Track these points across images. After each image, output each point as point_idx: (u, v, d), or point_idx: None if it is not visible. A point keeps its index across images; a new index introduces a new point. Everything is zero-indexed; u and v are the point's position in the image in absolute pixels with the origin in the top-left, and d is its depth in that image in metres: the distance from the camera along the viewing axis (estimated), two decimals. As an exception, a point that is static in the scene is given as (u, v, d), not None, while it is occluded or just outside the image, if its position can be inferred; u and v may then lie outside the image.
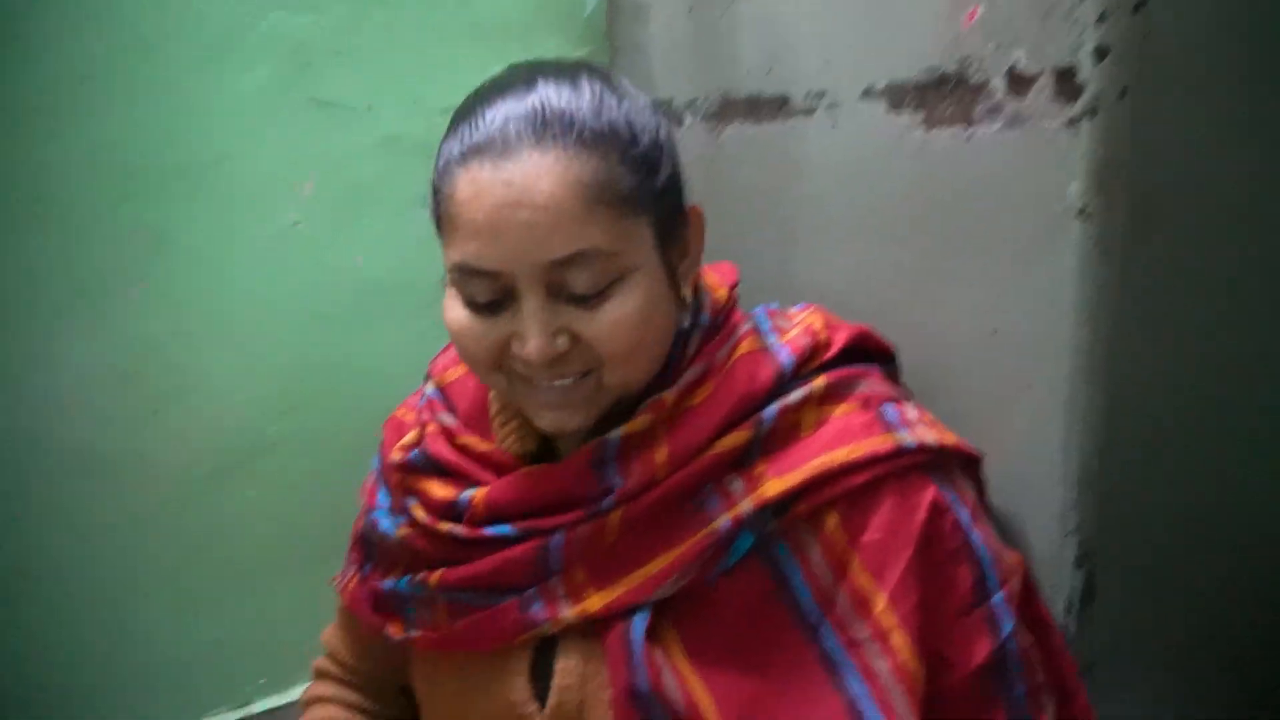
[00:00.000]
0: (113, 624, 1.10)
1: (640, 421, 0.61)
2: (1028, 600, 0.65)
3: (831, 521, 0.60)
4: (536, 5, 1.19)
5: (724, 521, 0.59)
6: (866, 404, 0.64)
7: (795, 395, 0.62)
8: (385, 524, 0.70)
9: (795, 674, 0.58)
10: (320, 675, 0.83)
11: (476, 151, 0.55)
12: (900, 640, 0.57)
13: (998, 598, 0.61)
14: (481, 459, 0.66)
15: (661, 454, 0.61)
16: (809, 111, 0.88)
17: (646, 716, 0.57)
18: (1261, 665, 0.84)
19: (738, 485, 0.60)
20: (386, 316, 1.20)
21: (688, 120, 1.05)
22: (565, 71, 0.59)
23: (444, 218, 0.58)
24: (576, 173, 0.54)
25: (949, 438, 0.65)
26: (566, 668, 0.61)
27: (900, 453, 0.61)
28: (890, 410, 0.64)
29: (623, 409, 0.63)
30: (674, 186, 0.62)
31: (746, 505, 0.59)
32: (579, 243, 0.55)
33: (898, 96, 0.78)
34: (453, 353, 0.75)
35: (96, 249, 1.03)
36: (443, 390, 0.73)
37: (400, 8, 1.13)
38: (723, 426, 0.61)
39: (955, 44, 0.72)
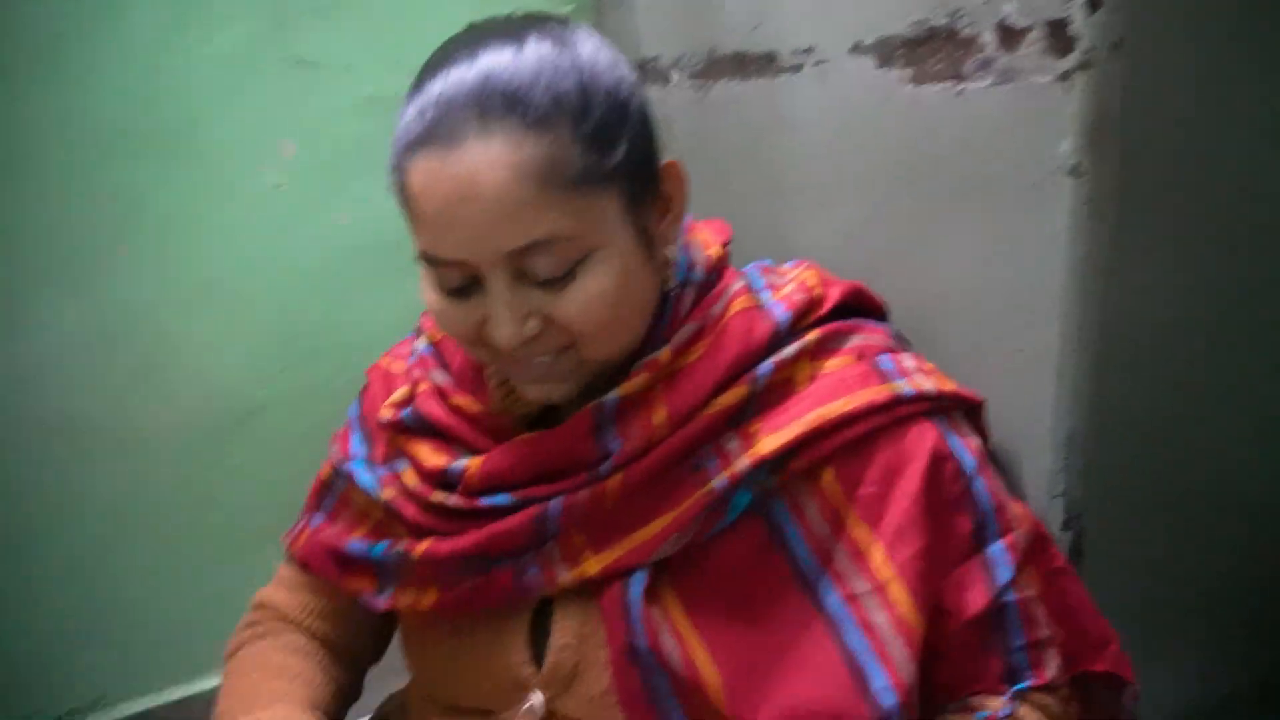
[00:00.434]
0: (100, 590, 1.10)
1: (637, 382, 0.60)
2: (1040, 551, 0.64)
3: (828, 475, 0.59)
4: (521, -42, 1.16)
5: (721, 480, 0.58)
6: (861, 355, 0.63)
7: (789, 350, 0.61)
8: (364, 478, 0.68)
9: (794, 630, 0.58)
10: (247, 628, 0.76)
11: (423, 141, 0.53)
12: (898, 591, 0.57)
13: (996, 546, 0.60)
14: (475, 421, 0.65)
15: (660, 414, 0.60)
16: (796, 68, 0.86)
17: (644, 675, 0.57)
18: (1247, 628, 0.85)
19: (734, 443, 0.60)
20: (373, 276, 1.18)
21: (674, 78, 1.03)
22: (513, 35, 0.55)
23: (404, 206, 0.57)
24: (524, 158, 0.51)
25: (948, 384, 0.63)
26: (564, 628, 0.61)
27: (898, 402, 0.60)
28: (886, 360, 0.63)
29: (616, 369, 0.62)
30: (641, 150, 0.58)
31: (743, 463, 0.58)
32: (534, 232, 0.53)
33: (886, 52, 0.76)
34: None
35: (75, 213, 1.02)
36: (435, 346, 0.70)
37: (378, -37, 1.10)
38: (719, 384, 0.60)
39: (945, -4, 0.70)
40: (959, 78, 0.70)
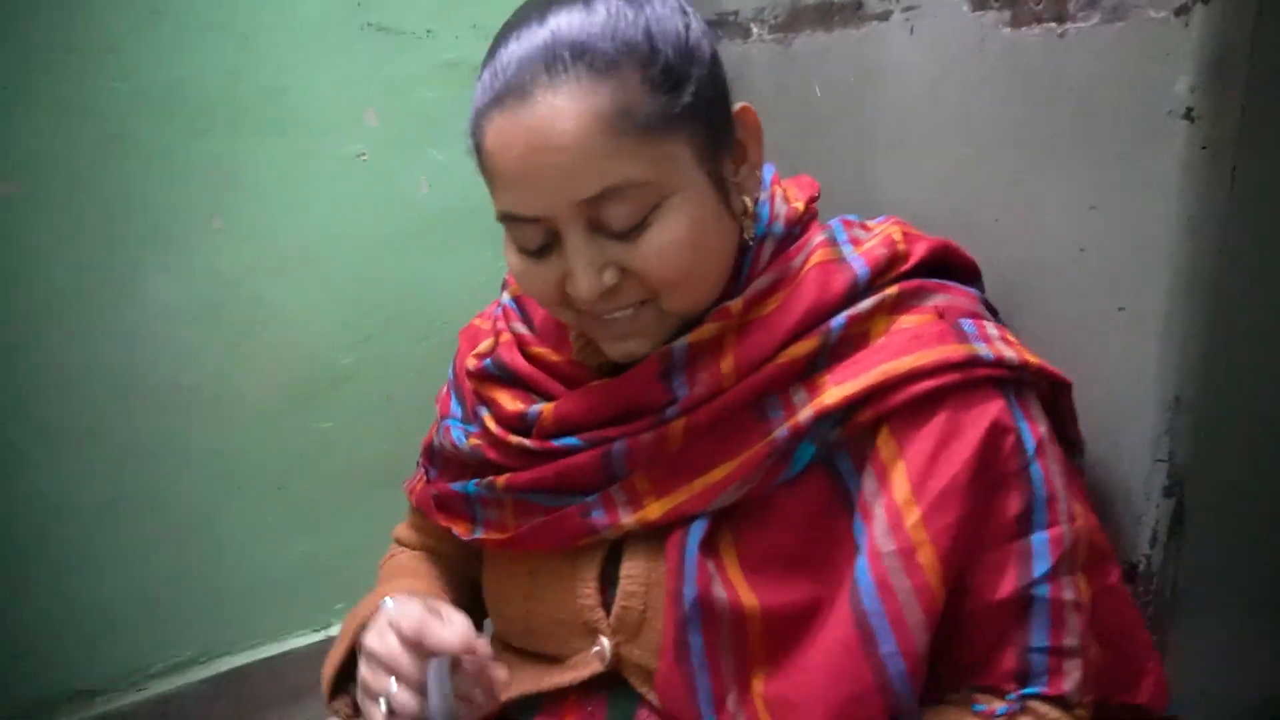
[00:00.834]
0: (198, 550, 1.16)
1: (706, 330, 0.60)
2: (1096, 563, 0.62)
3: (884, 431, 0.58)
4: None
5: (783, 430, 0.58)
6: (943, 315, 0.61)
7: (866, 304, 0.60)
8: (456, 433, 0.71)
9: (837, 588, 0.57)
10: (389, 557, 0.83)
11: (497, 101, 0.54)
12: (927, 556, 0.55)
13: (1040, 536, 0.57)
14: (553, 369, 0.66)
15: (727, 363, 0.60)
16: (884, 15, 0.82)
17: (695, 624, 0.57)
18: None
19: (801, 395, 0.59)
20: (454, 243, 1.20)
21: (755, 32, 1.00)
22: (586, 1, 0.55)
23: (484, 170, 0.58)
24: (592, 105, 0.52)
25: (1031, 358, 0.61)
26: (632, 574, 0.62)
27: (975, 362, 0.58)
28: (967, 323, 0.61)
29: (694, 323, 0.62)
30: (711, 95, 0.57)
31: (806, 414, 0.58)
32: (607, 179, 0.53)
33: (982, -7, 0.72)
34: None
35: (173, 185, 1.06)
36: (518, 300, 0.72)
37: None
38: (791, 336, 0.60)
39: (1048, -71, 0.66)
40: (1062, 18, 0.66)
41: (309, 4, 1.06)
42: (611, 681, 0.63)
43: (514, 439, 0.65)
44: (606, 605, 0.63)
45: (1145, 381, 0.68)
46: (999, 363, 0.59)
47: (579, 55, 0.53)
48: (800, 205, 0.66)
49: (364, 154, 1.14)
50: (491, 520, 0.68)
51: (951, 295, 0.63)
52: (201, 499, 1.15)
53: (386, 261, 1.18)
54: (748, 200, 0.62)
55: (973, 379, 0.58)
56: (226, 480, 1.16)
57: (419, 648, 0.56)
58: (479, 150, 0.57)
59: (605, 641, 0.62)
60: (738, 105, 0.60)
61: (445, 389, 0.77)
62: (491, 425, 0.66)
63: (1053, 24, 0.67)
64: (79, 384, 1.05)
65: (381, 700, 0.56)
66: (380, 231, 1.17)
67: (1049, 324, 0.71)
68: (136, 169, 1.03)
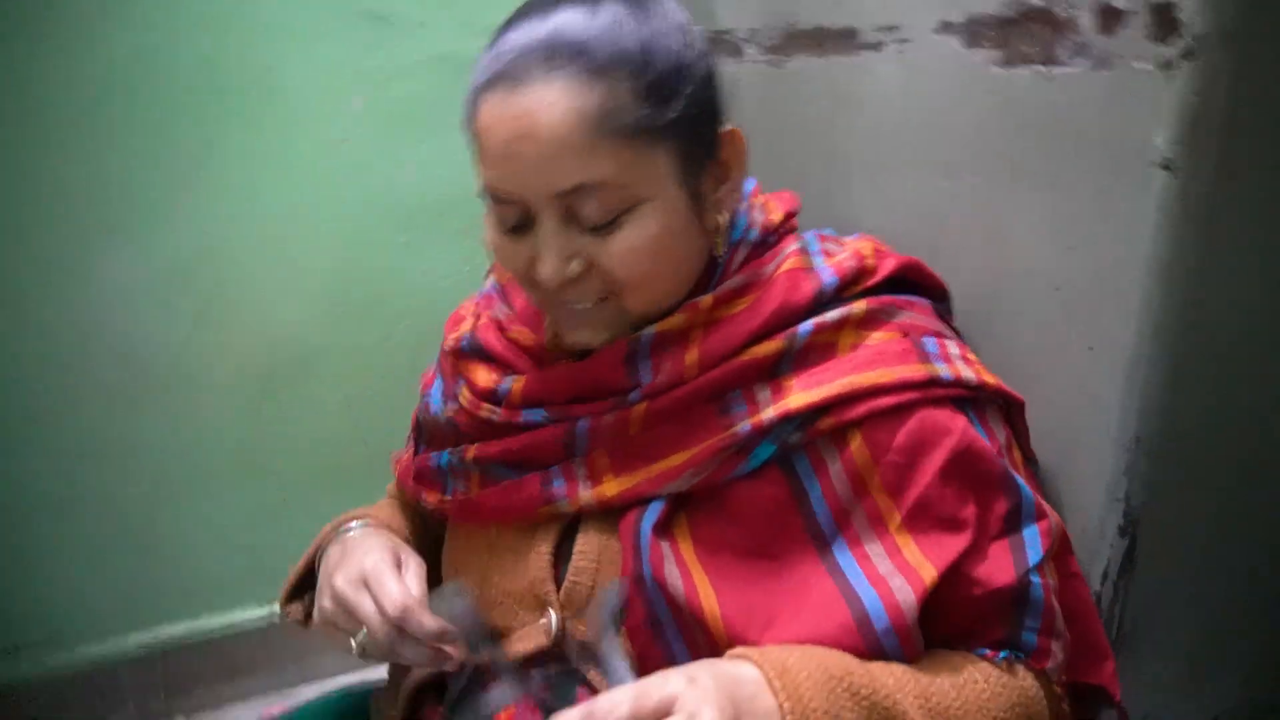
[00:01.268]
0: (156, 529, 1.13)
1: (675, 321, 0.63)
2: (1061, 553, 0.66)
3: (855, 440, 0.60)
4: (597, -77, 1.15)
5: (744, 425, 0.60)
6: (906, 333, 0.64)
7: (833, 314, 0.63)
8: (435, 406, 0.74)
9: (800, 580, 0.60)
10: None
11: (493, 82, 0.57)
12: (913, 554, 0.58)
13: (1030, 529, 0.61)
14: (528, 351, 0.69)
15: (692, 355, 0.62)
16: (877, 45, 0.84)
17: (648, 604, 0.59)
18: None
19: (765, 394, 0.61)
20: (433, 234, 1.20)
21: (748, 52, 1.01)
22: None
23: (472, 145, 0.61)
24: (581, 103, 0.55)
25: (989, 377, 0.64)
26: (584, 552, 0.64)
27: (934, 383, 0.61)
28: (930, 342, 0.64)
29: (653, 317, 0.64)
30: (699, 114, 0.60)
31: (770, 414, 0.60)
32: (583, 174, 0.56)
33: (975, 31, 0.73)
34: None
35: (143, 158, 1.04)
36: (502, 287, 0.75)
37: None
38: (756, 335, 0.62)
39: (1044, -25, 0.67)
40: (1051, 61, 0.68)
41: (304, -14, 1.06)
42: (556, 658, 0.64)
43: (485, 410, 0.67)
44: (558, 581, 0.64)
45: (1107, 421, 0.70)
46: (957, 383, 0.62)
47: (576, 54, 0.55)
48: (778, 217, 0.68)
49: (347, 139, 1.12)
50: (459, 491, 0.70)
51: (916, 313, 0.66)
52: (151, 491, 1.12)
53: (363, 248, 1.17)
54: (722, 218, 0.65)
55: (932, 398, 0.61)
56: (177, 471, 1.13)
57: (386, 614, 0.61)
58: (471, 123, 0.60)
59: (553, 615, 0.63)
60: (727, 127, 0.63)
61: (431, 370, 0.79)
62: (466, 397, 0.69)
63: (1041, 66, 0.69)
64: (25, 371, 1.02)
65: (353, 641, 0.62)
66: (358, 218, 1.16)
67: (1017, 357, 0.73)
68: (105, 137, 1.01)
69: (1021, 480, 0.62)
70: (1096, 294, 0.68)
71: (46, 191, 1.00)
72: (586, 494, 0.63)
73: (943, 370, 0.61)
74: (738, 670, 0.52)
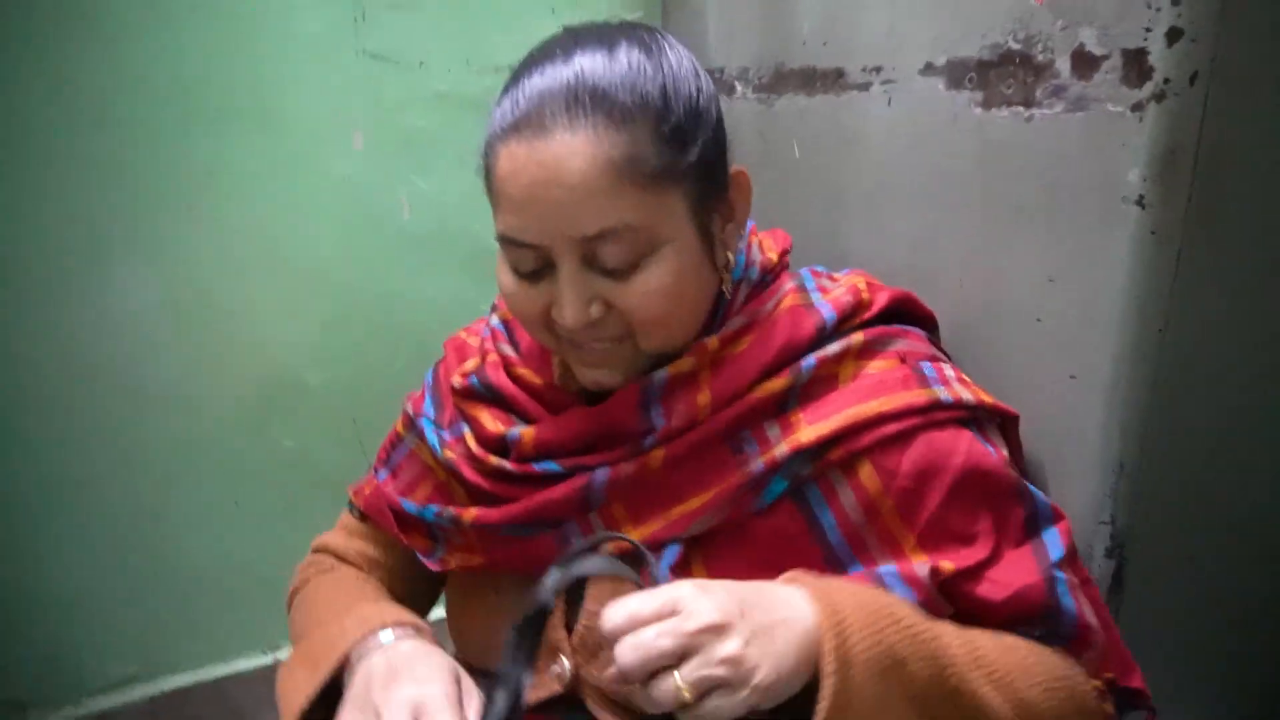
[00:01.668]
0: (147, 563, 1.13)
1: (684, 364, 0.64)
2: (1075, 561, 0.66)
3: (864, 468, 0.62)
4: (591, -35, 1.19)
5: (758, 464, 0.61)
6: (904, 359, 0.66)
7: (834, 348, 0.64)
8: (431, 436, 0.72)
9: None
10: (310, 566, 0.78)
11: (515, 129, 0.57)
12: (925, 573, 0.59)
13: (1050, 531, 0.63)
14: (535, 392, 0.68)
15: (704, 396, 0.63)
16: (864, 86, 0.87)
17: None
18: (1289, 666, 0.84)
19: (774, 430, 0.62)
20: (428, 268, 1.21)
21: (739, 90, 1.04)
22: (606, 39, 0.59)
23: (490, 190, 0.61)
24: (606, 151, 0.55)
25: (985, 396, 0.66)
26: (595, 596, 0.63)
27: (935, 406, 0.63)
28: (928, 367, 0.66)
29: (668, 359, 0.65)
30: (713, 156, 0.61)
31: (781, 449, 0.61)
32: (608, 220, 0.56)
33: (957, 74, 0.77)
34: None
35: (148, 182, 1.05)
36: (506, 323, 0.75)
37: (458, -37, 1.13)
38: (763, 373, 0.63)
39: (1022, 21, 0.71)
40: (1029, 103, 0.71)
41: (310, 23, 1.08)
42: (568, 705, 0.64)
43: (493, 460, 0.66)
44: (569, 626, 0.64)
45: (1091, 446, 0.72)
46: (957, 404, 0.64)
47: (599, 101, 0.56)
48: (774, 256, 0.70)
49: (349, 173, 1.15)
50: (456, 544, 0.69)
51: (911, 341, 0.68)
52: (155, 510, 1.12)
53: (361, 280, 1.19)
54: (730, 255, 0.66)
55: (936, 421, 0.62)
56: (181, 491, 1.14)
57: None
58: (489, 172, 0.60)
59: (565, 662, 0.63)
60: (734, 167, 0.64)
61: (421, 391, 0.78)
62: (472, 444, 0.68)
63: (1020, 108, 0.72)
64: (34, 375, 1.03)
65: None
66: (357, 250, 1.18)
67: (1002, 385, 0.75)
68: (111, 159, 1.02)
69: (1033, 486, 0.64)
70: (1076, 324, 0.71)
71: (54, 215, 1.01)
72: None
73: (943, 393, 0.63)
74: (772, 586, 0.53)
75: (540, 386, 0.68)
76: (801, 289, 0.69)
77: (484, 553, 0.67)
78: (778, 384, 0.63)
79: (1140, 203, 0.65)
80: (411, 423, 0.76)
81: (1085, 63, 0.67)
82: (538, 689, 0.64)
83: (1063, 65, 0.68)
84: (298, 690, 0.60)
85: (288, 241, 1.14)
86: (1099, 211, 0.68)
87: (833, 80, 0.91)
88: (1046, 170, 0.71)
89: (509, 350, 0.72)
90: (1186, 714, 0.86)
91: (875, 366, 0.65)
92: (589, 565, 0.54)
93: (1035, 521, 0.63)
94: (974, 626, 0.59)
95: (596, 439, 0.64)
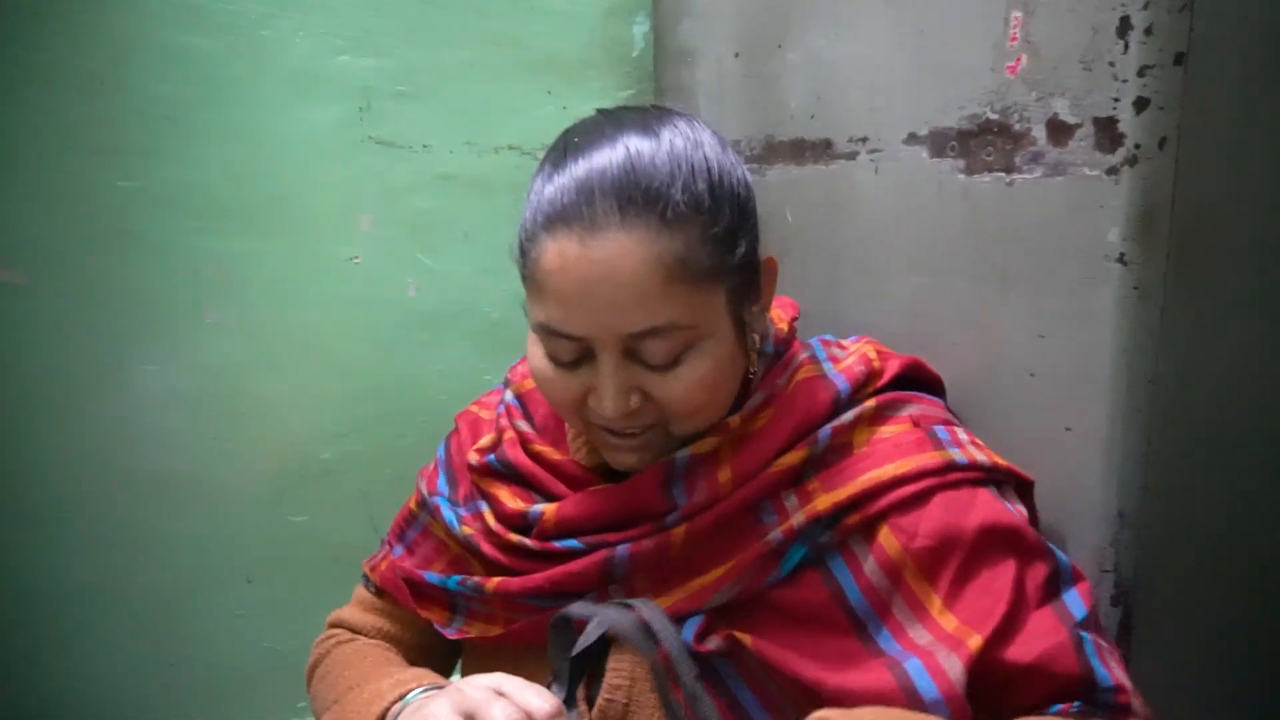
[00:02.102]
0: (164, 641, 1.14)
1: (706, 444, 0.64)
2: (1096, 623, 0.66)
3: (883, 532, 0.62)
4: (585, 47, 1.24)
5: (776, 534, 0.61)
6: (917, 423, 0.67)
7: (848, 416, 0.65)
8: (447, 514, 0.72)
9: (844, 669, 0.60)
10: (328, 639, 0.79)
11: (564, 222, 0.57)
12: (956, 627, 0.59)
13: (1070, 592, 0.62)
14: (554, 469, 0.69)
15: (725, 474, 0.63)
16: (851, 155, 0.91)
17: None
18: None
19: (792, 500, 0.63)
20: (436, 344, 1.24)
21: (732, 161, 1.08)
22: (650, 128, 0.59)
23: (530, 279, 0.60)
24: (658, 252, 0.56)
25: (1000, 460, 0.67)
26: (619, 668, 0.63)
27: (951, 468, 0.63)
28: (941, 430, 0.67)
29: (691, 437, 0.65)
30: (752, 250, 0.63)
31: (799, 518, 0.61)
32: (657, 318, 0.57)
33: (940, 143, 0.80)
34: None
35: (167, 280, 1.09)
36: (520, 398, 0.75)
37: (458, 49, 1.18)
38: (782, 448, 0.64)
39: (998, 93, 0.75)
40: (1010, 169, 0.74)
41: (320, 117, 1.13)
42: None
43: (514, 537, 0.67)
44: (590, 699, 0.64)
45: (1090, 497, 0.73)
46: (972, 466, 0.64)
47: (653, 201, 0.56)
48: (784, 326, 0.71)
49: (356, 257, 1.18)
50: (478, 613, 0.69)
51: (923, 405, 0.69)
52: (172, 589, 1.13)
53: (371, 360, 1.21)
54: (758, 337, 0.67)
55: (951, 481, 0.63)
56: (198, 571, 1.15)
57: None
58: (531, 260, 0.59)
59: None
60: (764, 256, 0.66)
61: (433, 466, 0.78)
62: (491, 522, 0.68)
63: (1002, 174, 0.75)
64: (60, 470, 1.05)
65: None
66: (367, 331, 1.21)
67: (1003, 441, 0.77)
68: (135, 263, 1.06)
69: (1055, 547, 0.63)
70: (1069, 378, 0.73)
71: (88, 299, 1.04)
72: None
73: (957, 455, 0.64)
74: None
75: (560, 462, 0.69)
76: (814, 359, 0.70)
77: (504, 623, 0.68)
78: (795, 457, 0.63)
79: (1122, 260, 0.68)
80: (425, 500, 0.76)
81: (1060, 131, 0.70)
82: None
83: (1039, 133, 0.72)
84: None
85: (299, 325, 1.17)
86: (1084, 270, 0.70)
87: (821, 150, 0.94)
88: (1031, 231, 0.74)
89: (525, 426, 0.72)
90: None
91: (888, 431, 0.66)
92: (620, 624, 0.55)
93: (1056, 581, 0.63)
94: (1007, 703, 0.58)
95: (620, 518, 0.65)
